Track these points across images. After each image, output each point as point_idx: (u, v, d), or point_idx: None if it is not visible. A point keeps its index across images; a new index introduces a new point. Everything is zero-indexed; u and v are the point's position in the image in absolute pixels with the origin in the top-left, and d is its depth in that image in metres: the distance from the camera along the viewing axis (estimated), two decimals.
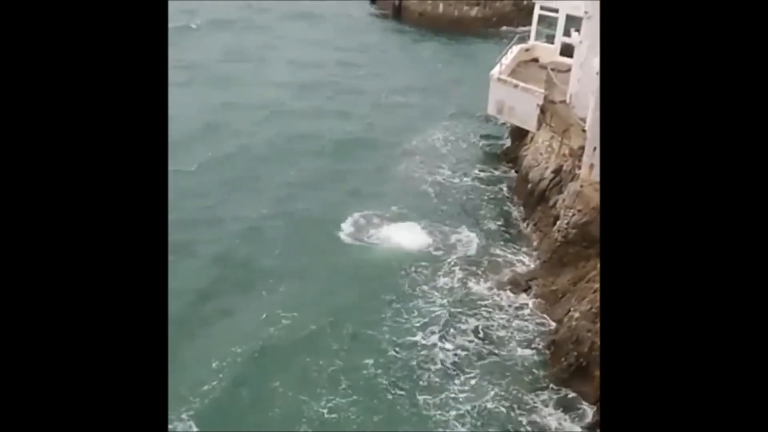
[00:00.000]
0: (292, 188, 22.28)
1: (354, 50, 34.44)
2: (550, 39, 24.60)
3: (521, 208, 21.34)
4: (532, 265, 18.50)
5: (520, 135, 24.04)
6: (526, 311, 16.89)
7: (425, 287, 17.70)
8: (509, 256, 19.17)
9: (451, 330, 16.18)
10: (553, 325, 16.05)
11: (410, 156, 24.57)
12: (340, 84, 30.73)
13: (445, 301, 17.25)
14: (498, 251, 19.38)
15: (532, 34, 25.23)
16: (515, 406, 14.20)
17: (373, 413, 13.83)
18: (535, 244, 19.42)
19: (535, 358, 15.43)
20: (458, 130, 26.62)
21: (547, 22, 24.58)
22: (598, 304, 13.46)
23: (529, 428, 13.69)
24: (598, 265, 14.17)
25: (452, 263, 18.75)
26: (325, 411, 13.81)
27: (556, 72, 21.99)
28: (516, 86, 22.89)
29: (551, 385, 14.61)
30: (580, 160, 17.90)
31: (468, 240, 19.79)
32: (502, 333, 16.23)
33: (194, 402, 13.73)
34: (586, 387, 13.99)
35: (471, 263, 18.77)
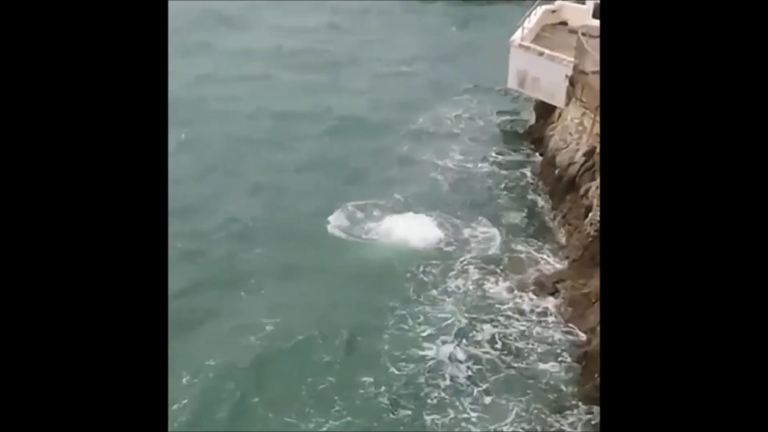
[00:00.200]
0: (278, 174, 22.25)
1: (350, 12, 34.35)
2: None
3: (547, 198, 21.29)
4: (560, 265, 18.44)
5: (545, 111, 23.93)
6: (552, 318, 16.80)
7: (434, 291, 17.66)
8: (533, 253, 19.07)
9: (464, 340, 16.12)
10: (584, 335, 15.93)
11: (416, 137, 24.60)
12: (333, 52, 30.69)
13: (457, 306, 17.18)
14: (519, 248, 19.28)
15: None
16: (538, 429, 14.16)
17: None
18: (563, 239, 19.33)
19: (563, 373, 15.32)
20: (473, 106, 26.60)
21: None
22: None
23: None
24: None
25: (465, 262, 18.67)
26: None
27: (588, 37, 21.62)
28: (541, 54, 22.72)
29: (581, 405, 14.47)
30: None
31: (484, 235, 19.72)
32: (523, 343, 16.14)
33: None
34: None
35: (488, 262, 18.70)
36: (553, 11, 25.12)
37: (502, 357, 15.72)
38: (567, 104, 21.97)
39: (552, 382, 15.11)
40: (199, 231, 19.25)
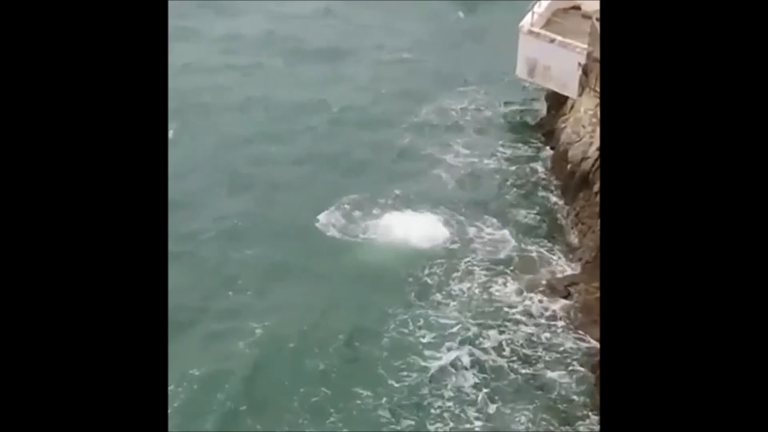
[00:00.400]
0: (269, 169, 22.32)
1: None
2: None
3: (559, 195, 21.39)
4: (572, 267, 18.55)
5: (557, 102, 23.97)
6: (563, 323, 16.92)
7: (437, 294, 17.76)
8: (543, 254, 19.17)
9: (469, 347, 16.24)
10: (597, 342, 15.91)
11: (419, 130, 24.63)
12: (329, 39, 30.56)
13: (461, 310, 17.26)
14: (529, 248, 19.36)
15: None
16: None
17: None
18: (575, 240, 19.47)
19: (574, 383, 15.44)
20: (479, 97, 26.61)
21: None
22: None
23: None
24: None
25: (471, 263, 18.77)
26: None
27: None
28: (552, 41, 22.72)
29: (591, 416, 14.59)
30: None
31: (491, 234, 19.81)
32: (531, 351, 16.24)
33: None
34: None
35: (495, 263, 18.79)
36: None
37: (510, 365, 15.82)
38: (580, 94, 22.00)
39: (563, 392, 15.21)
40: (185, 230, 19.28)
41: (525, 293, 17.76)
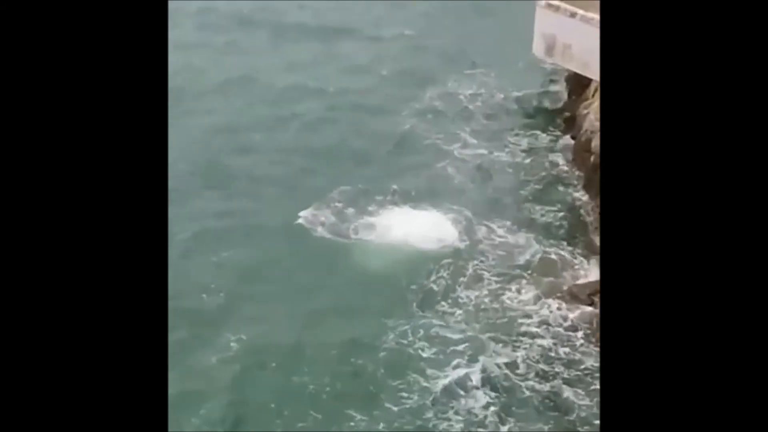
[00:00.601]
0: (251, 162, 22.13)
1: None
2: None
3: (581, 189, 21.13)
4: (596, 271, 18.10)
5: (578, 85, 23.80)
6: (585, 335, 16.59)
7: (442, 302, 17.46)
8: (564, 256, 18.84)
9: (478, 363, 15.91)
10: None
11: (422, 116, 24.54)
12: (319, 13, 30.41)
13: (469, 321, 16.95)
14: (547, 250, 19.02)
15: None
16: None
17: None
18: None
19: (596, 404, 14.93)
20: (490, 79, 26.49)
21: None
22: None
23: None
24: None
25: (480, 268, 18.46)
26: None
27: None
28: (573, 15, 22.37)
29: None
30: None
31: (503, 235, 19.55)
32: (549, 366, 15.89)
33: None
34: None
35: (508, 267, 18.50)
36: None
37: (524, 383, 15.51)
38: None
39: (582, 414, 14.91)
40: None
41: (542, 301, 17.45)
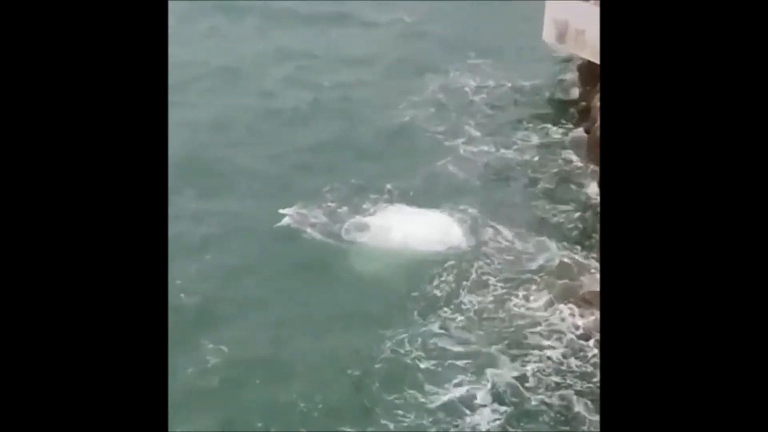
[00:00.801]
0: (234, 157, 22.20)
1: None
2: None
3: (596, 188, 21.11)
4: None
5: (592, 74, 23.77)
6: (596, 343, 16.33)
7: (444, 310, 17.41)
8: (578, 260, 18.81)
9: (483, 377, 15.86)
10: None
11: (422, 109, 24.65)
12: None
13: (473, 330, 16.90)
14: (560, 253, 19.04)
15: None
16: None
17: None
18: None
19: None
20: (496, 69, 26.64)
21: None
22: None
23: None
24: None
25: (486, 272, 18.46)
26: None
27: None
28: None
29: None
30: None
31: (511, 236, 19.58)
32: (561, 378, 15.84)
33: None
34: None
35: (516, 271, 18.48)
36: None
37: (533, 397, 15.44)
38: None
39: (594, 430, 14.80)
40: None
41: (553, 308, 17.43)
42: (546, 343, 16.67)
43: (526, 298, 17.72)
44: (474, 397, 15.46)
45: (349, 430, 14.73)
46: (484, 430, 14.86)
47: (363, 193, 20.81)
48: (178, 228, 19.32)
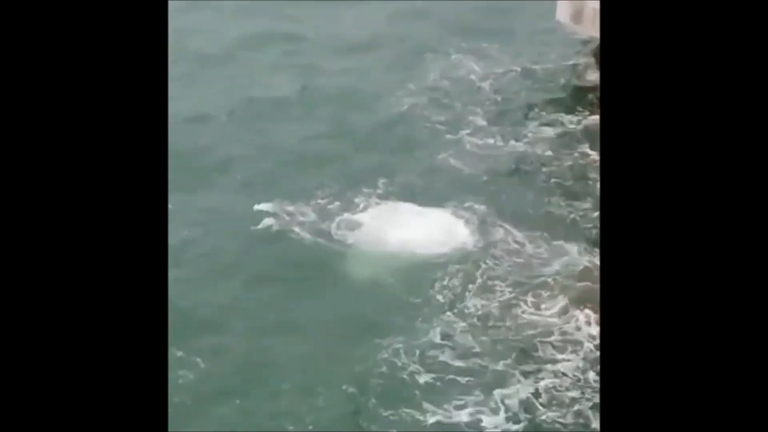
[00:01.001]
0: (217, 149, 22.25)
1: None
2: None
3: None
4: None
5: None
6: None
7: (445, 318, 17.26)
8: (595, 261, 18.57)
9: (489, 394, 15.70)
10: None
11: (422, 97, 24.59)
12: None
13: (477, 339, 16.75)
14: (574, 253, 18.94)
15: None
16: None
17: None
18: None
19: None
20: (504, 53, 26.53)
21: None
22: None
23: None
24: None
25: (492, 274, 18.33)
26: None
27: None
28: None
29: None
30: None
31: (521, 236, 19.49)
32: (578, 392, 15.71)
33: None
34: None
35: (527, 276, 18.35)
36: None
37: (547, 417, 15.32)
38: None
39: None
40: None
41: (568, 315, 17.35)
42: (560, 356, 16.54)
43: (538, 305, 17.60)
44: (479, 415, 15.38)
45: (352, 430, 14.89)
46: None
47: (356, 189, 20.76)
48: None
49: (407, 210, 20.19)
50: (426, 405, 15.45)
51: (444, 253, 18.98)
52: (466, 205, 20.44)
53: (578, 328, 16.94)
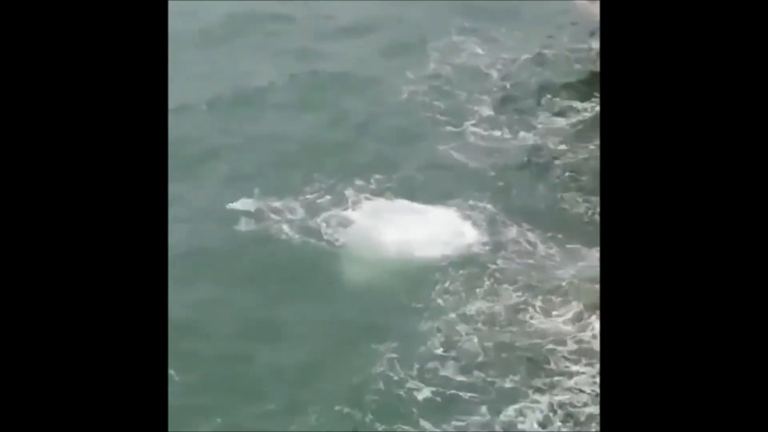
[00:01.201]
0: (194, 137, 22.30)
1: None
2: None
3: None
4: None
5: None
6: None
7: (450, 319, 17.28)
8: None
9: (495, 420, 15.63)
10: None
11: (422, 85, 24.57)
12: None
13: (483, 347, 16.71)
14: (590, 255, 18.78)
15: None
16: None
17: None
18: None
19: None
20: (512, 38, 26.51)
21: None
22: None
23: None
24: None
25: (500, 278, 18.30)
26: None
27: None
28: None
29: None
30: None
31: (532, 236, 19.49)
32: (596, 408, 15.43)
33: None
34: None
35: (538, 278, 18.34)
36: None
37: None
38: None
39: None
40: None
41: (582, 322, 17.34)
42: (574, 367, 16.49)
43: (549, 311, 17.57)
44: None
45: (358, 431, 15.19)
46: None
47: (350, 184, 20.79)
48: None
49: (405, 207, 20.24)
50: (424, 424, 15.46)
51: (446, 254, 19.00)
52: (471, 202, 20.43)
53: (594, 337, 16.84)
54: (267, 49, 26.11)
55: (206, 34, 26.62)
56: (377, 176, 20.99)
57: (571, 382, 16.16)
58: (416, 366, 16.36)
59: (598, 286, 17.47)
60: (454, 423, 15.46)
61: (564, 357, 16.61)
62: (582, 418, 15.47)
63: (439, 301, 17.78)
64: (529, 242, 19.39)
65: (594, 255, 18.63)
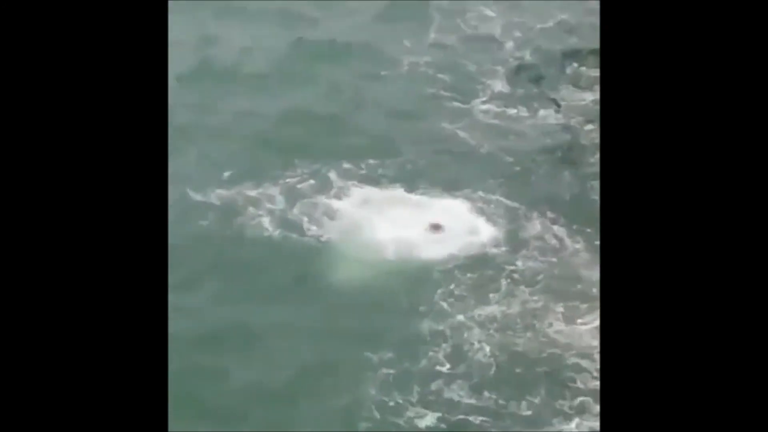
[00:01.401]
0: (181, 123, 21.65)
1: None
2: None
3: None
4: None
5: None
6: None
7: (458, 329, 16.99)
8: None
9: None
10: None
11: (425, 56, 24.37)
12: None
13: (496, 364, 16.31)
14: None
15: None
16: None
17: None
18: None
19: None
20: (525, 6, 26.38)
21: None
22: None
23: None
24: None
25: (517, 279, 18.12)
26: None
27: None
28: None
29: None
30: None
31: (555, 229, 19.44)
32: None
33: None
34: None
35: (562, 279, 18.05)
36: None
37: None
38: None
39: None
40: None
41: None
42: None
43: (574, 318, 17.19)
44: None
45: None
46: None
47: (339, 169, 20.55)
48: None
49: (404, 198, 20.04)
50: None
51: (452, 253, 18.84)
52: (482, 193, 20.19)
53: None
54: (241, 12, 25.96)
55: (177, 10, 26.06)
56: (370, 161, 20.75)
57: (594, 401, 15.71)
58: (417, 388, 16.07)
59: None
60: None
61: (588, 373, 16.22)
62: None
63: (444, 305, 17.52)
64: (555, 237, 19.24)
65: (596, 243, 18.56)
